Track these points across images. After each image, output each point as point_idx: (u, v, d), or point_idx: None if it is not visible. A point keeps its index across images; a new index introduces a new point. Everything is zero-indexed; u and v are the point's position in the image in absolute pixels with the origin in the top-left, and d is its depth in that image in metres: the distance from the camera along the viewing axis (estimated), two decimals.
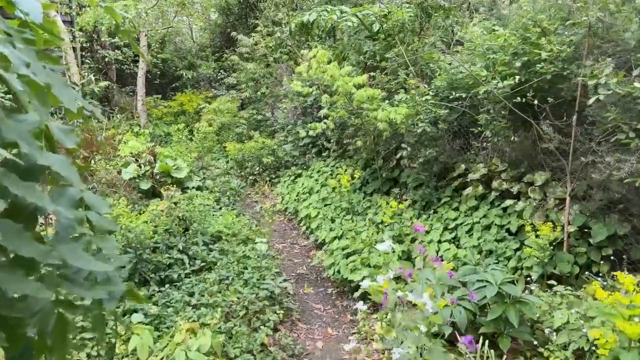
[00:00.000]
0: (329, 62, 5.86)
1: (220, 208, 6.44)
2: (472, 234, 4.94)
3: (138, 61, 11.04)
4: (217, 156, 9.72)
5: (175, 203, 4.97)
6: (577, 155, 4.16)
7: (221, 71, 12.57)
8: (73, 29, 10.06)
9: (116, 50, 11.11)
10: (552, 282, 3.74)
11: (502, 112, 4.60)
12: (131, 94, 12.17)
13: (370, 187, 6.65)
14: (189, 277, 4.40)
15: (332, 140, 7.56)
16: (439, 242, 4.94)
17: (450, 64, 5.67)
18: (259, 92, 10.26)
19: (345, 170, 7.07)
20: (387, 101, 5.86)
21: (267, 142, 8.49)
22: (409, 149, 5.50)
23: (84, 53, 10.79)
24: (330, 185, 6.50)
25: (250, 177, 8.30)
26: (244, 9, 12.78)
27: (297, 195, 7.05)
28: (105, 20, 9.31)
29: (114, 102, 12.23)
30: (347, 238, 5.28)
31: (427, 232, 5.14)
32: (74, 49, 10.51)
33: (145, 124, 10.80)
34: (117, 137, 7.13)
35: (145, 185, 6.06)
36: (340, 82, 5.49)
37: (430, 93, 5.31)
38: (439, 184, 5.75)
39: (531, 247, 4.02)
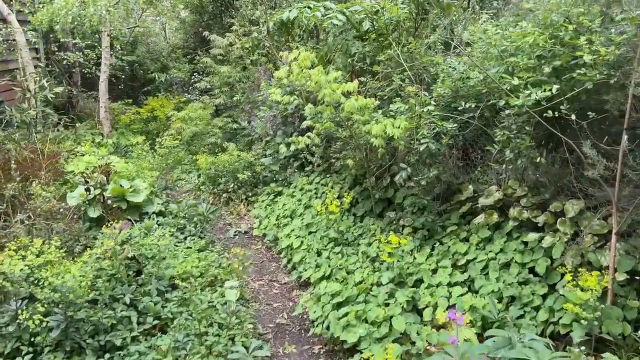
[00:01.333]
0: (313, 65, 4.95)
1: (186, 238, 5.46)
2: (488, 273, 4.09)
3: (100, 64, 9.99)
4: (189, 168, 8.71)
5: (123, 242, 4.00)
6: (625, 183, 3.35)
7: (194, 74, 11.59)
8: (27, 29, 8.95)
9: (77, 53, 10.00)
10: (608, 355, 2.89)
11: (526, 128, 3.75)
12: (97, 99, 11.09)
13: (360, 209, 5.76)
14: (137, 343, 3.44)
15: (316, 155, 6.66)
16: (449, 284, 4.08)
17: (454, 68, 4.82)
18: (234, 98, 9.31)
19: (332, 188, 6.17)
20: (380, 111, 4.99)
21: (243, 155, 7.54)
22: (409, 169, 4.63)
23: (39, 56, 9.69)
24: (315, 207, 5.60)
25: (224, 195, 7.33)
26: (219, 7, 11.83)
27: (277, 219, 6.11)
28: (60, 18, 8.25)
29: (79, 109, 11.15)
30: (336, 279, 4.38)
31: (434, 272, 4.27)
32: (36, 50, 9.48)
33: (109, 132, 9.75)
34: (64, 153, 6.06)
35: (93, 212, 5.06)
36: (327, 90, 4.58)
37: (433, 102, 4.46)
38: (441, 208, 4.90)
39: (573, 303, 3.18)
